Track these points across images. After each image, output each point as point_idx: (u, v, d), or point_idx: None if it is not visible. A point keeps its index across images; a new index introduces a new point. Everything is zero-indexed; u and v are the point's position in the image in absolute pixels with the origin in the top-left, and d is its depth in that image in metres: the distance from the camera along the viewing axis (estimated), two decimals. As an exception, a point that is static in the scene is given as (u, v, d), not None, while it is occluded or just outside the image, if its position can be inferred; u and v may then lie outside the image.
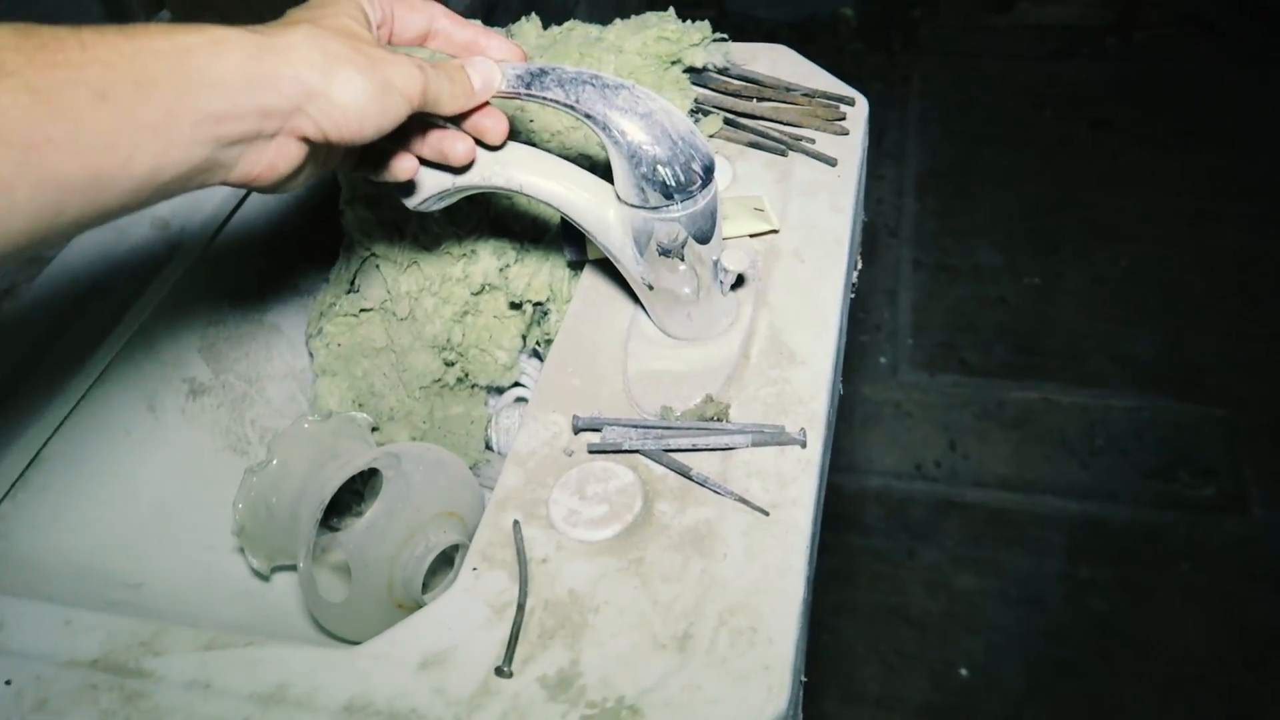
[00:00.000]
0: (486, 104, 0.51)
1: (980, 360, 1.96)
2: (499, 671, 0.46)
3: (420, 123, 0.52)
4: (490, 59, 0.50)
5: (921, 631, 1.58)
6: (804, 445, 0.54)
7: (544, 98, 0.50)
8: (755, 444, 0.54)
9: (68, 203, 0.35)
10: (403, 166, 0.53)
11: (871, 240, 2.21)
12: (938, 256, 2.19)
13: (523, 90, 0.51)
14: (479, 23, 0.52)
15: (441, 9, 0.52)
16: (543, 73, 0.50)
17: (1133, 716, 1.46)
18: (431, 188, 0.56)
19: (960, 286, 2.11)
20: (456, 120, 0.52)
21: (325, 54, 0.41)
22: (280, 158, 0.43)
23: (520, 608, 0.49)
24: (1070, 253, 2.16)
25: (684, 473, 0.53)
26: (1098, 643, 1.54)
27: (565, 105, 0.50)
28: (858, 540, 1.70)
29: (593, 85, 0.50)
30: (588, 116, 0.50)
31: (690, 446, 0.54)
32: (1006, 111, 2.57)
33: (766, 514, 0.51)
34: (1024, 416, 1.85)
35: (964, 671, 1.53)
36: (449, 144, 0.52)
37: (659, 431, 0.55)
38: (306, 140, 0.43)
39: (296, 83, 0.41)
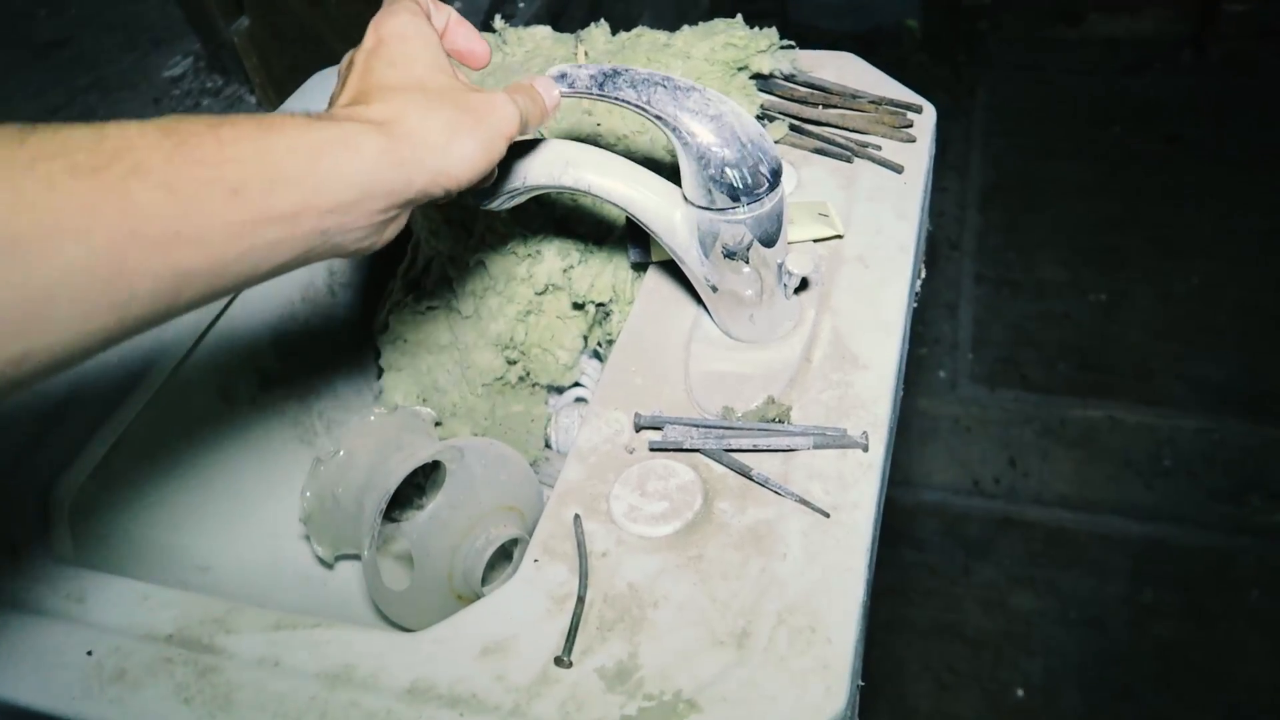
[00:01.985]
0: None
1: (1042, 377, 1.92)
2: (558, 661, 0.47)
3: None
4: (546, 77, 0.52)
5: (976, 650, 1.55)
6: (866, 449, 0.54)
7: (616, 98, 0.51)
8: (817, 446, 0.54)
9: (185, 290, 0.35)
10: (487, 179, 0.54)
11: (933, 253, 2.18)
12: (1000, 270, 2.15)
13: (595, 90, 0.52)
14: (449, 8, 0.53)
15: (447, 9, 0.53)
16: (615, 74, 0.51)
17: (1195, 746, 1.42)
18: (502, 186, 0.57)
19: (1023, 301, 2.08)
20: None
21: (442, 129, 0.43)
22: (393, 230, 0.45)
23: (580, 600, 0.49)
24: (1138, 269, 2.12)
25: (744, 472, 0.54)
26: (1160, 669, 1.50)
27: (636, 106, 0.51)
28: (912, 555, 1.68)
29: (664, 87, 0.51)
30: (658, 118, 0.51)
31: (751, 447, 0.55)
32: (1074, 126, 2.52)
33: (827, 515, 0.51)
34: (1087, 435, 1.82)
35: (1020, 693, 1.50)
36: None
37: (720, 431, 0.56)
38: (418, 206, 0.45)
39: (425, 170, 0.42)
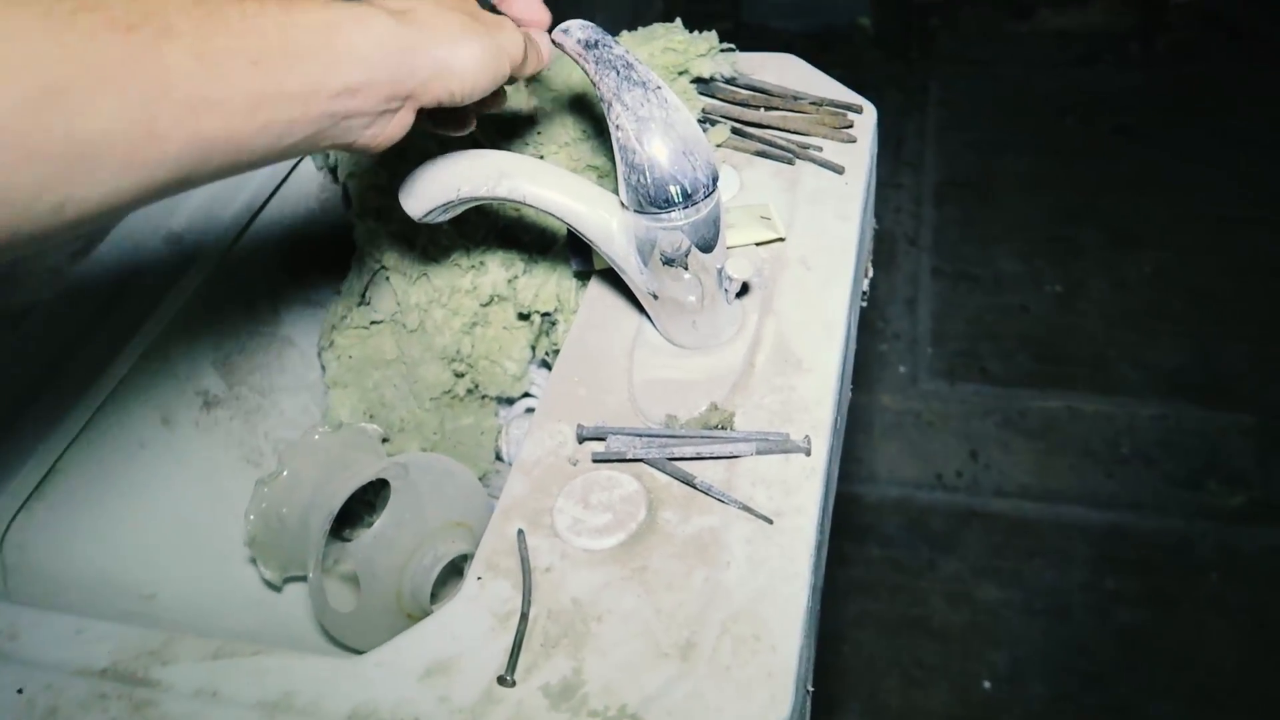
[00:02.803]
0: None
1: (1002, 369, 1.94)
2: (502, 680, 0.46)
3: None
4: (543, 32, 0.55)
5: (943, 643, 1.56)
6: (808, 453, 0.54)
7: (584, 66, 0.52)
8: (759, 452, 0.54)
9: (210, 158, 0.37)
10: (470, 121, 0.56)
11: (891, 249, 2.20)
12: (958, 265, 2.17)
13: (581, 52, 0.52)
14: None
15: None
16: (596, 43, 0.52)
17: (1161, 730, 1.44)
18: (437, 198, 0.56)
19: (980, 295, 2.10)
20: None
21: (451, 26, 0.45)
22: (397, 126, 0.46)
23: (524, 616, 0.49)
24: (1093, 260, 2.14)
25: (688, 481, 0.53)
26: (1124, 655, 1.52)
27: (592, 81, 0.52)
28: (878, 551, 1.69)
29: (618, 72, 0.51)
30: (606, 103, 0.52)
31: (694, 455, 0.54)
32: (1027, 119, 2.55)
33: (770, 521, 0.51)
34: (1047, 425, 1.84)
35: (987, 684, 1.51)
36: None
37: (663, 440, 0.55)
38: (424, 108, 0.47)
39: (430, 59, 0.44)
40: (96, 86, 0.32)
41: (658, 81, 0.52)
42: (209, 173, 0.38)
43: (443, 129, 0.56)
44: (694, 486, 0.53)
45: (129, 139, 0.34)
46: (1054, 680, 1.50)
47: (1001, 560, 1.65)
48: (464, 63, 0.45)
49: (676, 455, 0.54)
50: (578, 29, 0.53)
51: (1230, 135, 2.39)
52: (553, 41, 0.54)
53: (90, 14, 0.32)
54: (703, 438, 0.55)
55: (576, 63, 0.53)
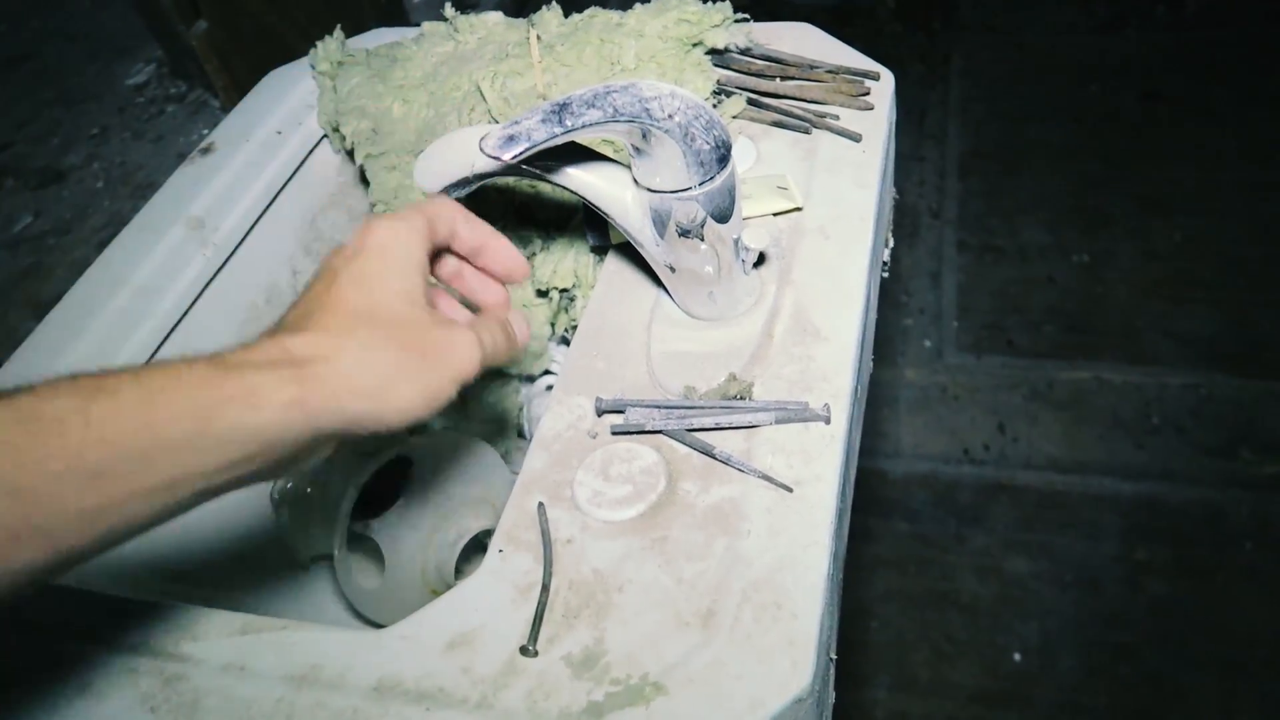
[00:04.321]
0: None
1: (1028, 341, 1.92)
2: (524, 651, 0.47)
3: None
4: (519, 311, 0.51)
5: (973, 617, 1.55)
6: (828, 421, 0.53)
7: (582, 125, 0.49)
8: (778, 421, 0.54)
9: (32, 576, 0.33)
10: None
11: (914, 223, 2.18)
12: (983, 237, 2.15)
13: (558, 129, 0.48)
14: (486, 224, 0.51)
15: (459, 209, 0.50)
16: (564, 106, 0.49)
17: (1195, 701, 1.42)
18: (452, 175, 0.56)
19: (1006, 267, 2.07)
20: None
21: (380, 371, 0.40)
22: (316, 457, 0.42)
23: (545, 588, 0.49)
24: (1121, 229, 2.11)
25: (707, 451, 0.53)
26: (1157, 626, 1.51)
27: (607, 121, 0.49)
28: (905, 526, 1.68)
29: (617, 94, 0.49)
30: (629, 121, 0.49)
31: (713, 425, 0.54)
32: (1052, 87, 2.51)
33: (790, 490, 0.51)
34: (1075, 397, 1.81)
35: (1017, 656, 1.50)
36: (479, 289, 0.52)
37: (681, 412, 0.55)
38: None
39: (341, 416, 0.39)
40: None
41: (632, 81, 0.50)
42: (35, 582, 0.33)
43: None
44: (713, 456, 0.53)
45: None
46: (1085, 652, 1.49)
47: (1031, 533, 1.63)
48: (391, 412, 0.40)
49: (695, 426, 0.54)
50: (522, 125, 0.49)
51: (1260, 99, 2.34)
52: (499, 159, 0.48)
53: None
54: (721, 408, 0.55)
55: (568, 137, 0.49)
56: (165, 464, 0.34)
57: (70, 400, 0.33)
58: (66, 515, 0.32)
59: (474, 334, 0.44)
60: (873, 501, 1.71)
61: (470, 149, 0.55)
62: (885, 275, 0.84)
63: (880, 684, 1.49)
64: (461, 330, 0.44)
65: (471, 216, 0.50)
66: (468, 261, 0.52)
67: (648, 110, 0.49)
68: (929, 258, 2.11)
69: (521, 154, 0.48)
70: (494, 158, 0.49)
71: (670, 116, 0.50)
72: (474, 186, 0.58)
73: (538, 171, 0.56)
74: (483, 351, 0.44)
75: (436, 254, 0.49)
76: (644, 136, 0.51)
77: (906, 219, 2.19)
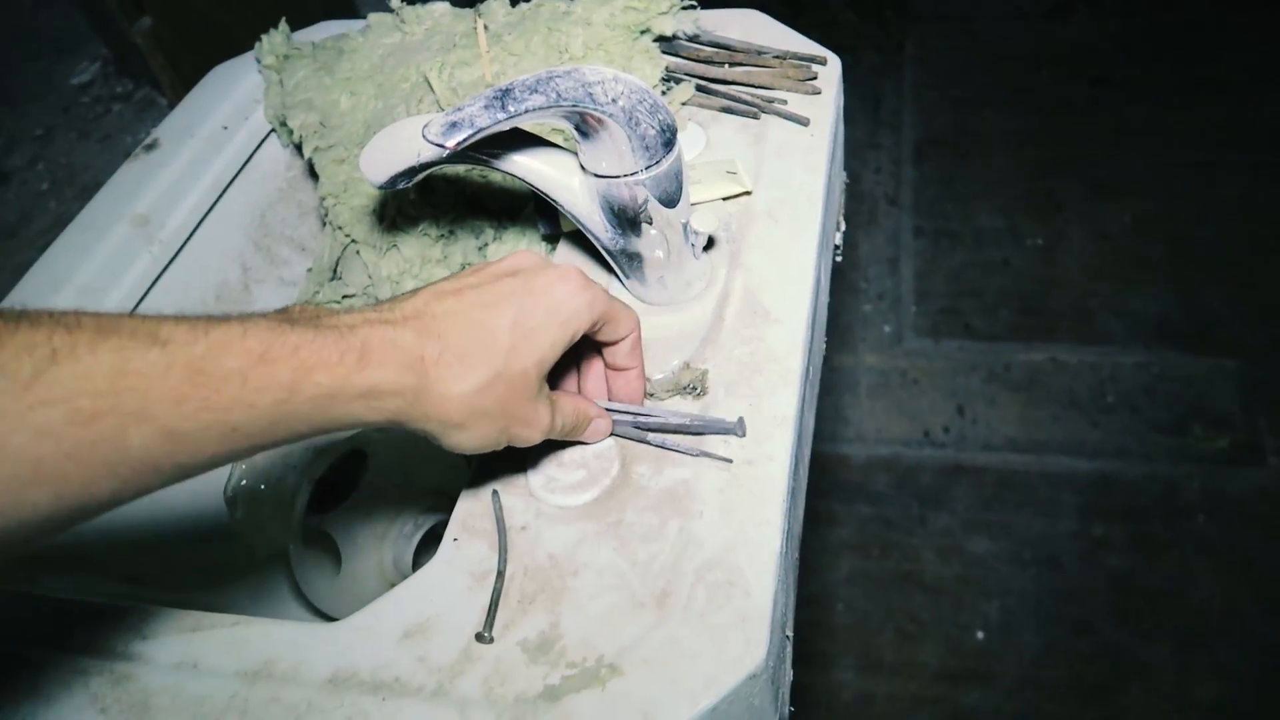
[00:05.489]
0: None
1: (985, 324, 1.94)
2: (479, 638, 0.47)
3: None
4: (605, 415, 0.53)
5: (936, 597, 1.58)
6: (742, 435, 0.53)
7: (525, 110, 0.48)
8: (695, 433, 0.53)
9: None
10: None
11: (872, 210, 2.20)
12: (939, 223, 2.17)
13: (501, 116, 0.48)
14: (641, 354, 0.54)
15: (638, 328, 0.52)
16: (506, 91, 0.49)
17: (1152, 672, 1.45)
18: (398, 164, 0.56)
19: (962, 251, 2.10)
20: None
21: (465, 413, 0.42)
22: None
23: (500, 575, 0.49)
24: (1073, 212, 2.14)
25: (643, 439, 0.53)
26: (1114, 600, 1.54)
27: (551, 106, 0.48)
28: (868, 509, 1.70)
29: (560, 79, 0.49)
30: (572, 106, 0.49)
31: (659, 427, 0.54)
32: (1003, 74, 2.54)
33: (730, 461, 0.51)
34: (1032, 378, 1.84)
35: (980, 635, 1.52)
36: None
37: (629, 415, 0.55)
38: None
39: (410, 426, 0.42)
40: (33, 483, 0.31)
41: (576, 66, 0.50)
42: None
43: None
44: (648, 443, 0.53)
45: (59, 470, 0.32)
46: (1046, 628, 1.52)
47: (991, 513, 1.66)
48: (449, 441, 0.44)
49: (643, 425, 0.54)
50: (465, 112, 0.48)
51: (1206, 81, 2.39)
52: (443, 147, 0.48)
53: (49, 409, 0.30)
54: (642, 415, 0.54)
55: (511, 122, 0.49)
56: (281, 432, 0.37)
57: (236, 362, 0.35)
58: (199, 460, 0.35)
59: (553, 413, 0.47)
60: (835, 486, 1.73)
61: (414, 138, 0.55)
62: (839, 259, 0.85)
63: (846, 665, 1.51)
64: (545, 406, 0.47)
65: (638, 343, 0.52)
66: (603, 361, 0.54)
67: (591, 95, 0.49)
68: (887, 244, 2.13)
69: (465, 140, 0.48)
70: (438, 145, 0.48)
71: (614, 101, 0.50)
72: (420, 176, 0.58)
73: (485, 159, 0.56)
74: (551, 433, 0.48)
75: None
76: (588, 121, 0.51)
77: (864, 206, 2.21)
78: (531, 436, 0.46)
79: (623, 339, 0.51)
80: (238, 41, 0.95)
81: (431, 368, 0.41)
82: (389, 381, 0.39)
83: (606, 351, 0.52)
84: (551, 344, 0.45)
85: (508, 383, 0.43)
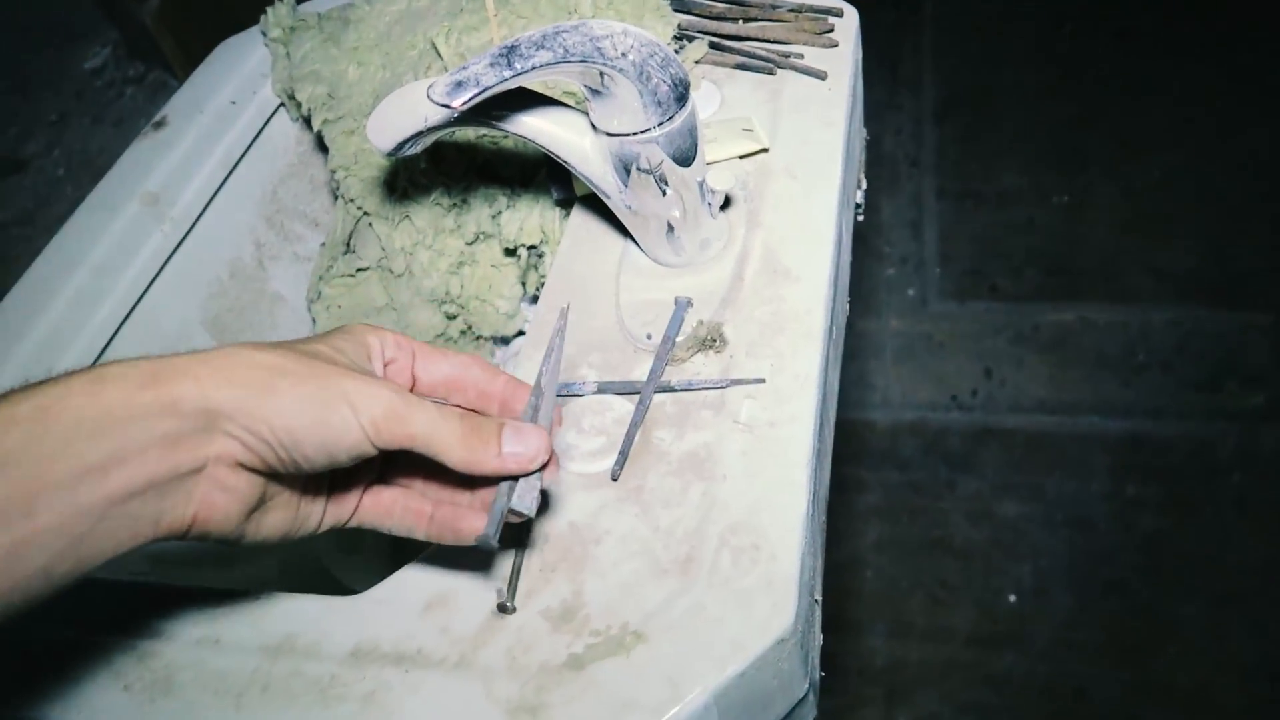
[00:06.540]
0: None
1: (1011, 285, 1.91)
2: (501, 608, 0.46)
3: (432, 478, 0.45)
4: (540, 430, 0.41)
5: (966, 561, 1.56)
6: (762, 380, 0.52)
7: (532, 68, 0.46)
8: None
9: None
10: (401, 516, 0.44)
11: (893, 172, 2.16)
12: (961, 183, 2.13)
13: (508, 73, 0.46)
14: (511, 375, 0.45)
15: (476, 357, 0.45)
16: (512, 49, 0.47)
17: (1187, 632, 1.44)
18: (405, 129, 0.55)
19: (986, 212, 2.06)
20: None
21: (251, 366, 0.36)
22: (218, 495, 0.36)
23: (521, 544, 0.48)
24: (1099, 169, 2.10)
25: (667, 388, 0.52)
26: (1148, 560, 1.52)
27: (558, 62, 0.47)
28: (896, 475, 1.68)
29: (567, 34, 0.47)
30: (582, 62, 0.47)
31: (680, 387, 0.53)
32: (1024, 30, 2.48)
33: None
34: (1060, 338, 1.81)
35: (1012, 598, 1.51)
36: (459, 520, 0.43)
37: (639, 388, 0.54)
38: (250, 469, 0.37)
39: (200, 400, 0.34)
40: None
41: (582, 21, 0.48)
42: None
43: (369, 523, 0.44)
44: (671, 388, 0.52)
45: None
46: (1078, 590, 1.50)
47: (1021, 476, 1.64)
48: (274, 408, 0.35)
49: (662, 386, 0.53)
50: (470, 70, 0.46)
51: (1233, 34, 2.32)
52: (449, 107, 0.45)
53: None
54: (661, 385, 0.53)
55: (518, 80, 0.47)
56: (10, 480, 0.32)
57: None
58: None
59: (394, 387, 0.38)
60: (863, 452, 1.71)
61: (420, 101, 0.54)
62: (860, 218, 0.83)
63: (878, 631, 1.50)
64: (380, 380, 0.38)
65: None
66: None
67: (599, 49, 0.48)
68: (909, 206, 2.10)
69: (471, 100, 0.47)
70: (443, 106, 0.47)
71: (624, 55, 0.48)
72: (428, 141, 0.57)
73: (493, 122, 0.55)
74: (406, 408, 0.37)
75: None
76: (599, 78, 0.49)
77: (885, 168, 2.17)
78: (374, 395, 0.37)
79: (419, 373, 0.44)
80: (245, 19, 0.94)
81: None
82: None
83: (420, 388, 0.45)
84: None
85: (287, 349, 0.38)
